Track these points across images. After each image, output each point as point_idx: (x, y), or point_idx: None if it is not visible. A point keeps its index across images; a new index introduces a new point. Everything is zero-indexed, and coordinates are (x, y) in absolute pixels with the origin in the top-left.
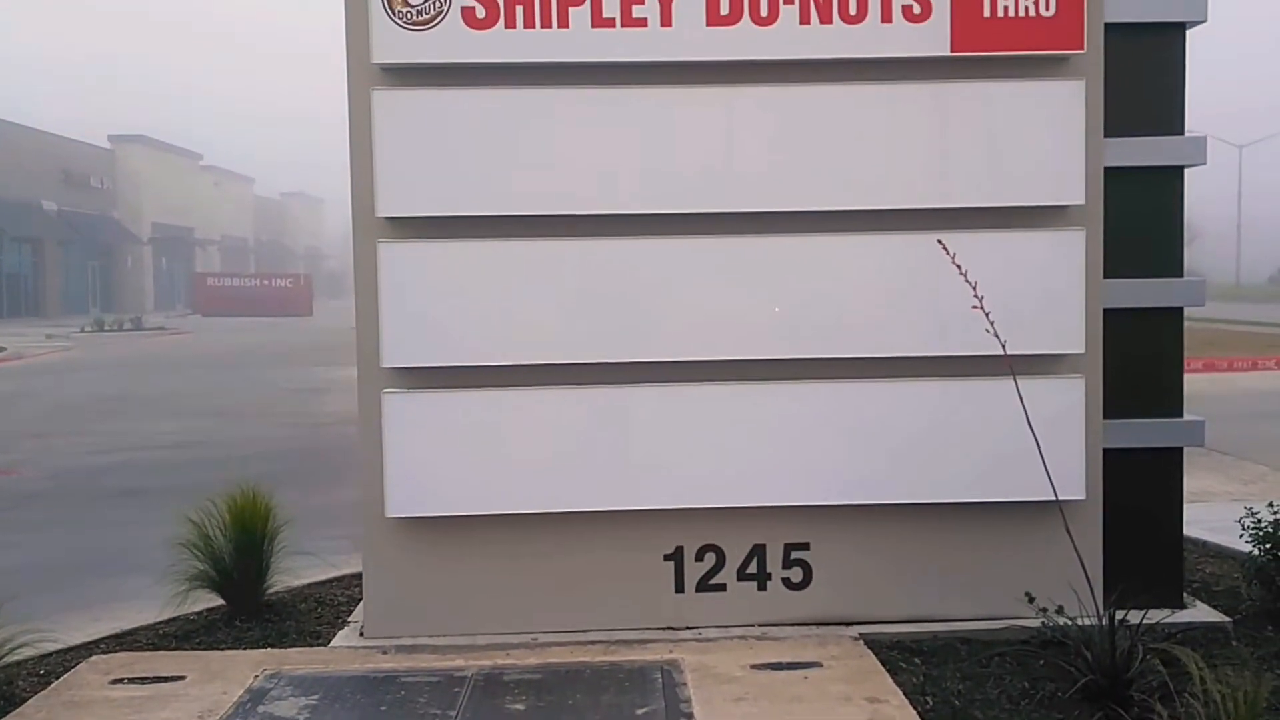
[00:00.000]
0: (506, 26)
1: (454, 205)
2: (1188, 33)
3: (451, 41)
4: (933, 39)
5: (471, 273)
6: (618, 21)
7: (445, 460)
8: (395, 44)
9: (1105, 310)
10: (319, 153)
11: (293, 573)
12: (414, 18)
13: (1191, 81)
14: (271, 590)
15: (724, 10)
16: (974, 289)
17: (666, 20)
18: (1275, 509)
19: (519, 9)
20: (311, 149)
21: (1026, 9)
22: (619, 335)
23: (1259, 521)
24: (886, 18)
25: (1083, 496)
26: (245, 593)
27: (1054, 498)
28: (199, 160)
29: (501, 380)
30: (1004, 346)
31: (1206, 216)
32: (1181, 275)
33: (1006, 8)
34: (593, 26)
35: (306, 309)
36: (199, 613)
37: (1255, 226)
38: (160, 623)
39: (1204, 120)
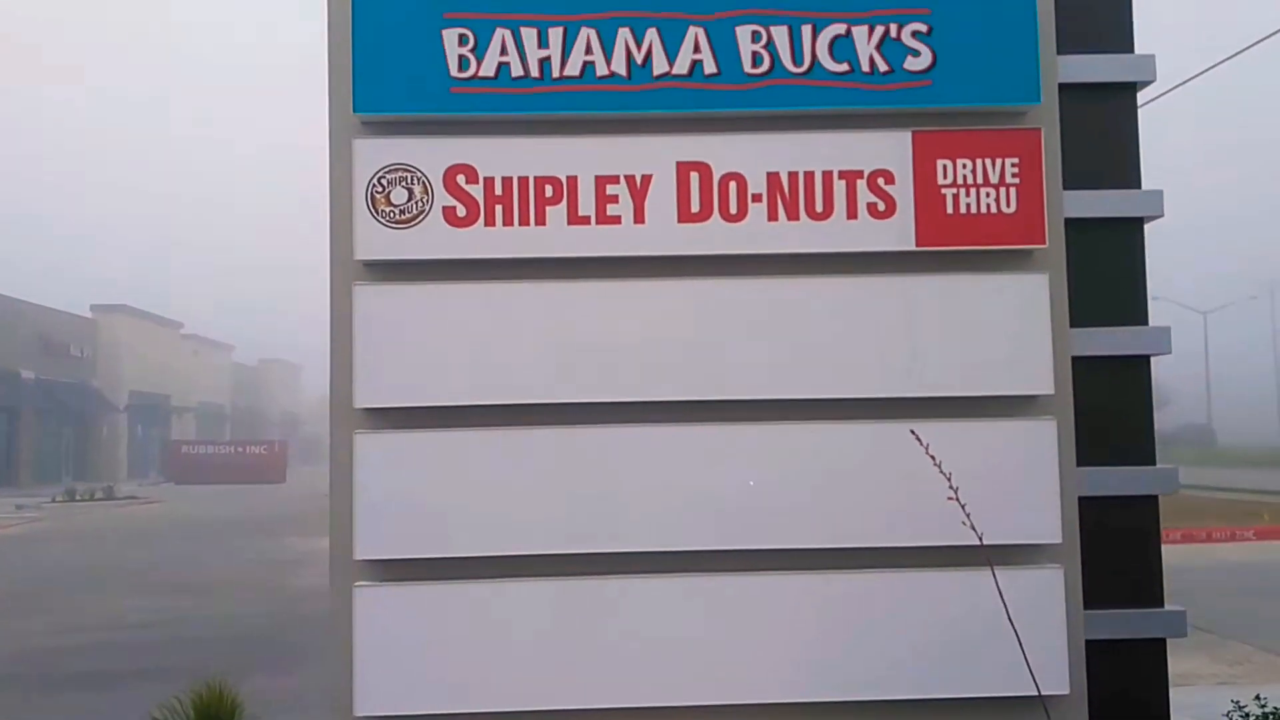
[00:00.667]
0: (486, 225)
1: (430, 396)
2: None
3: (432, 239)
4: (898, 234)
5: (445, 463)
6: (593, 219)
7: (415, 657)
8: (378, 242)
9: (1081, 499)
10: (299, 323)
11: None
12: (397, 216)
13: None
14: None
15: (694, 208)
16: (948, 479)
17: (640, 217)
18: (1263, 702)
19: (498, 208)
20: (292, 320)
21: (988, 206)
22: (594, 525)
23: (1246, 715)
24: (852, 214)
25: (1066, 690)
26: None
27: (1037, 692)
28: (179, 329)
29: (477, 572)
30: (980, 538)
31: (1178, 381)
32: (1154, 462)
33: (969, 205)
34: (569, 224)
35: (280, 476)
36: None
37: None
38: None
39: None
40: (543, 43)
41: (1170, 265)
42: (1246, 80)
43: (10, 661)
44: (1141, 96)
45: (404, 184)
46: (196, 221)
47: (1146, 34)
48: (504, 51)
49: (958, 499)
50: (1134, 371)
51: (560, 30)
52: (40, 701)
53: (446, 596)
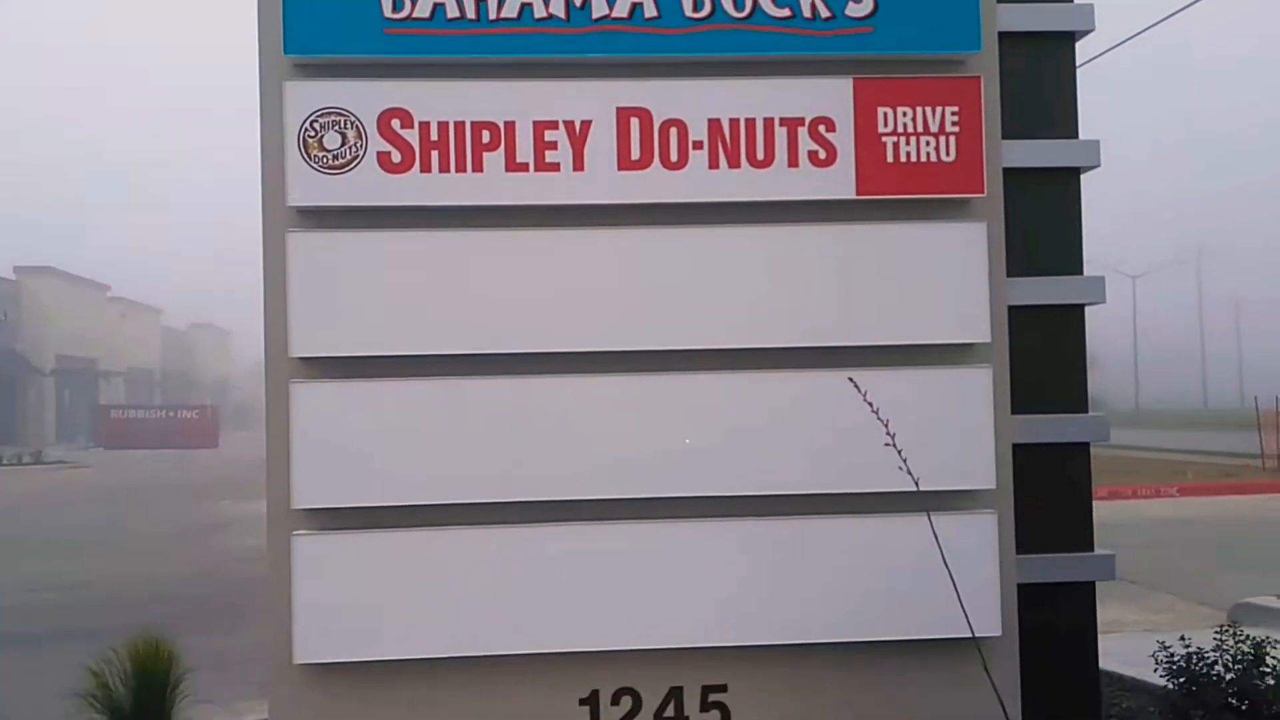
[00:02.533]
0: (421, 171)
1: (366, 345)
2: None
3: (366, 185)
4: (838, 182)
5: (382, 412)
6: (531, 166)
7: (352, 604)
8: (311, 187)
9: (1015, 446)
10: (228, 285)
11: None
12: (330, 161)
13: (1089, 216)
14: None
15: (634, 155)
16: (885, 426)
17: (579, 165)
18: (1187, 642)
19: (434, 154)
20: (221, 281)
21: (928, 155)
22: (531, 473)
23: (1172, 655)
24: (793, 162)
25: (999, 633)
26: None
27: (971, 634)
28: (106, 291)
29: (414, 520)
30: (917, 484)
31: (1106, 343)
32: (1086, 410)
33: (909, 153)
34: (506, 171)
35: (213, 441)
36: None
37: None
38: None
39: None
40: None
41: (1101, 229)
42: (1182, 40)
43: None
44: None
45: (337, 128)
46: (124, 180)
47: None
48: None
49: (894, 445)
50: (1069, 321)
51: None
52: None
53: (384, 544)
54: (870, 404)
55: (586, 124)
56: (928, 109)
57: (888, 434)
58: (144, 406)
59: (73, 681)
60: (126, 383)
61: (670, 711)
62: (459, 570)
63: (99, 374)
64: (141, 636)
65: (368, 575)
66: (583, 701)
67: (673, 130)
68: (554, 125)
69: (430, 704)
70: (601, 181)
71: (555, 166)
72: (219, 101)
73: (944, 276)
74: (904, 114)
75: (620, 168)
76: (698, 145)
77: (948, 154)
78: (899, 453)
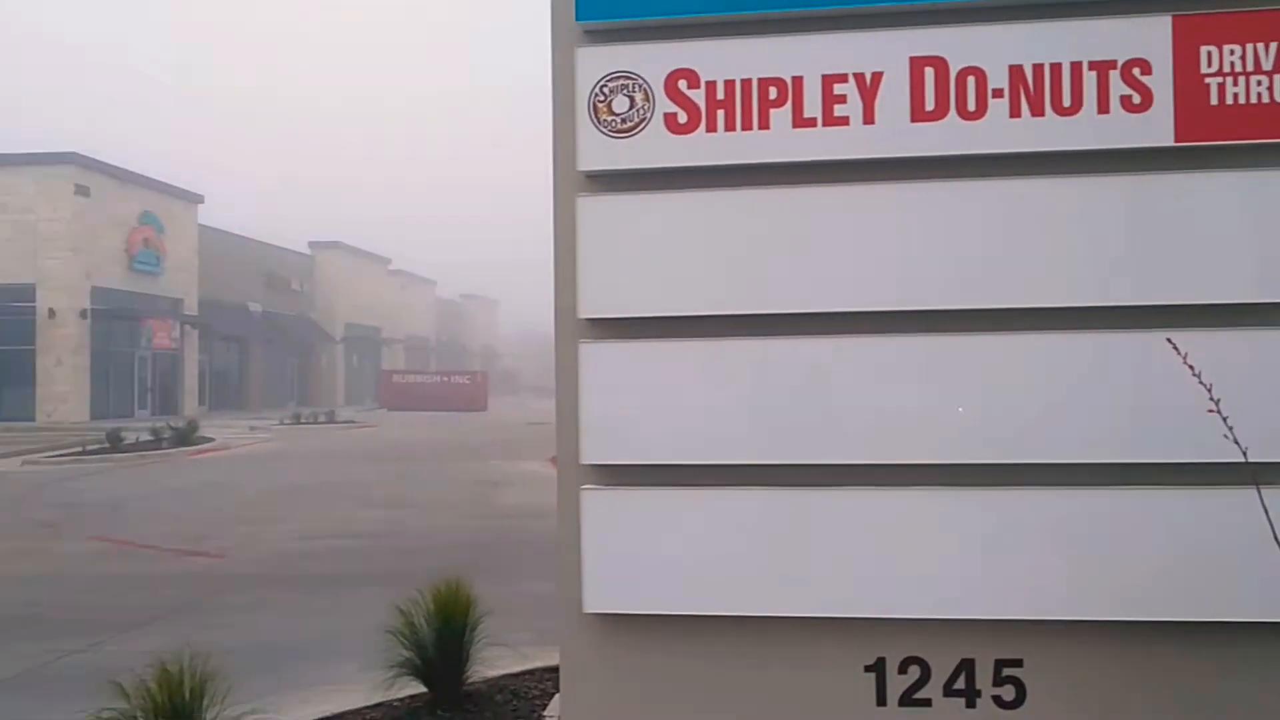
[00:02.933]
0: (708, 130)
1: (653, 306)
2: None
3: (653, 147)
4: (1154, 129)
5: (668, 371)
6: (819, 121)
7: (641, 558)
8: (600, 152)
9: None
10: (497, 258)
11: (487, 663)
12: (618, 125)
13: None
14: (470, 681)
15: (929, 106)
16: (1209, 390)
17: (869, 118)
18: None
19: (720, 113)
20: (490, 255)
21: (1259, 96)
22: (820, 435)
23: None
24: (1104, 108)
25: None
26: (447, 682)
27: None
28: (388, 265)
29: (699, 479)
30: (1245, 454)
31: None
32: None
33: (1236, 95)
34: (793, 127)
35: (483, 405)
36: (403, 699)
37: None
38: (367, 708)
39: None
40: None
41: None
42: None
43: (256, 563)
44: None
45: (625, 92)
46: (401, 158)
47: None
48: None
49: (1219, 411)
50: None
51: None
52: (286, 597)
53: (670, 501)
54: (1191, 367)
55: (877, 76)
56: (1259, 46)
57: (1211, 399)
58: (421, 372)
59: (379, 619)
60: (405, 350)
61: (960, 684)
62: (745, 530)
63: (381, 341)
64: (443, 580)
65: (653, 531)
66: (868, 669)
67: (970, 79)
68: (843, 78)
69: (711, 658)
70: (893, 135)
71: (844, 120)
72: (491, 80)
73: (1272, 229)
74: (1231, 52)
75: (913, 119)
76: (997, 94)
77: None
78: (1224, 419)
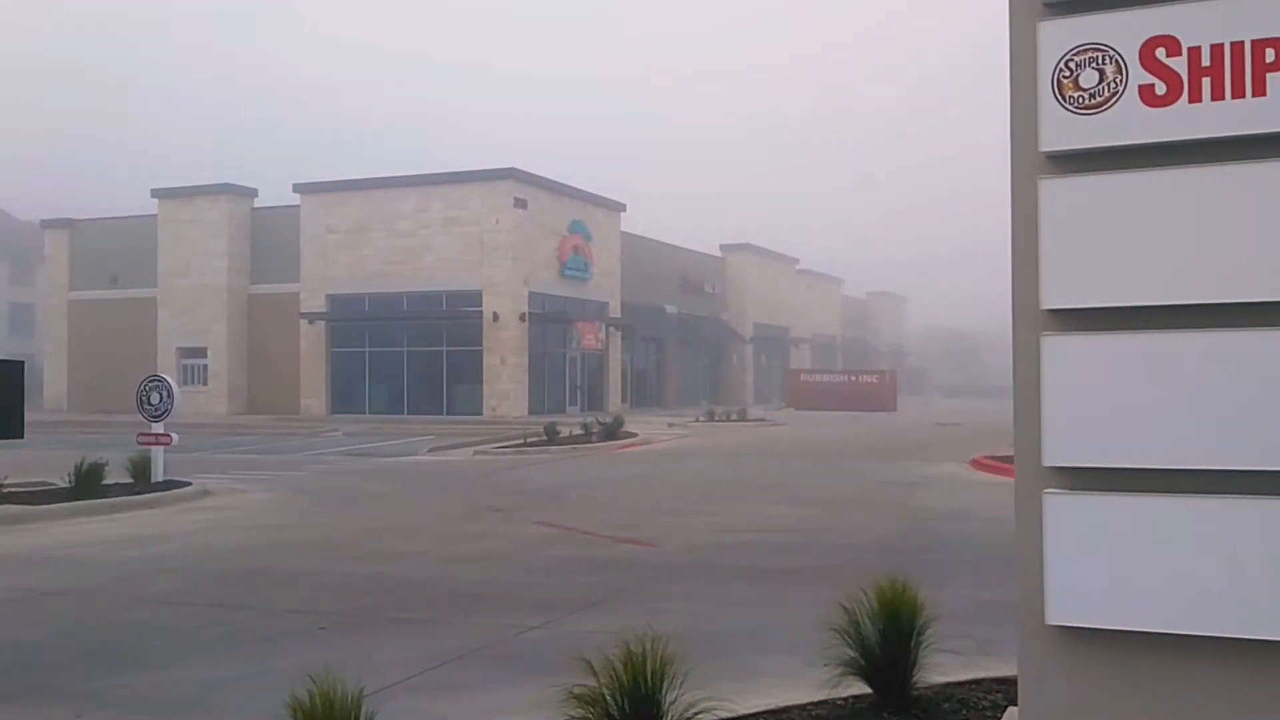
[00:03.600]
0: (1190, 101)
1: (1120, 295)
2: None
3: (1125, 123)
4: None
5: (1142, 367)
6: None
7: (1110, 568)
8: (1065, 130)
9: None
10: (901, 255)
11: (933, 669)
12: (1086, 101)
13: None
14: (917, 686)
15: None
16: None
17: None
18: None
19: (1205, 81)
20: (896, 253)
21: None
22: None
23: None
24: None
25: None
26: (892, 685)
27: None
28: (795, 264)
29: (1176, 485)
30: None
31: None
32: None
33: None
34: None
35: (891, 404)
36: (846, 699)
37: None
38: (812, 704)
39: None
40: None
41: None
42: None
43: (685, 553)
44: None
45: (1094, 65)
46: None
47: None
48: None
49: None
50: None
51: None
52: (715, 587)
53: (1141, 508)
54: None
55: None
56: None
57: None
58: (829, 371)
59: (808, 613)
60: (812, 349)
61: None
62: (1229, 542)
63: (789, 341)
64: (888, 580)
65: (1123, 539)
66: None
67: None
68: None
69: (1187, 683)
70: None
71: None
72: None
73: None
74: None
75: None
76: None
77: None
78: None
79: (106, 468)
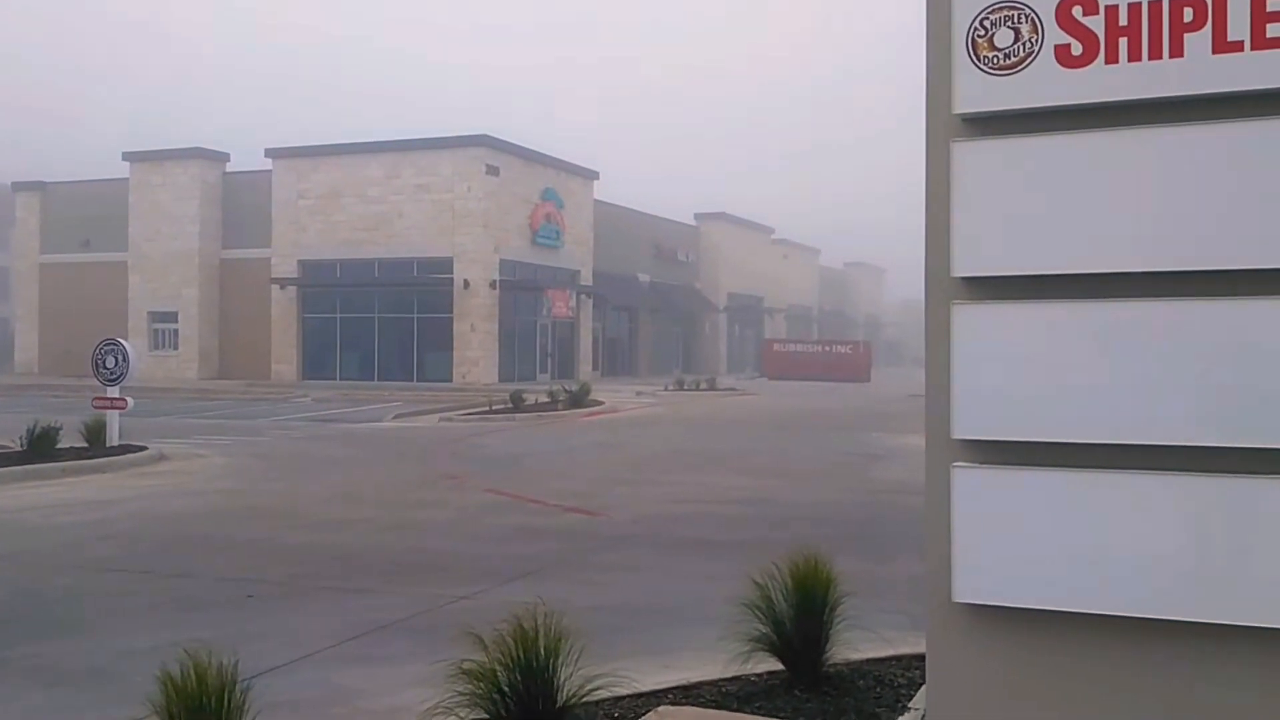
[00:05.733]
0: (1107, 62)
1: (1030, 264)
2: None
3: (1040, 84)
4: None
5: (1055, 337)
6: (1247, 44)
7: (1020, 544)
8: (979, 92)
9: None
10: (884, 224)
11: (849, 645)
12: (1000, 62)
13: None
14: (830, 662)
15: None
16: None
17: None
18: None
19: (1122, 41)
20: (872, 220)
21: None
22: (1238, 414)
23: None
24: None
25: None
26: (804, 661)
27: None
28: (770, 234)
29: (1088, 460)
30: None
31: None
32: None
33: None
34: (1213, 53)
35: (865, 375)
36: (759, 675)
37: None
38: (723, 680)
39: None
40: None
41: None
42: None
43: (632, 523)
44: None
45: (1009, 23)
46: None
47: None
48: None
49: None
50: None
51: None
52: (657, 559)
53: (1053, 483)
54: None
55: None
56: None
57: None
58: (802, 341)
59: (741, 588)
60: (787, 319)
61: None
62: (1141, 519)
63: (763, 310)
64: (801, 555)
65: (1033, 515)
66: None
67: None
68: None
69: (1099, 662)
70: None
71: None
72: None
73: None
74: None
75: None
76: None
77: None
78: None
79: (61, 431)
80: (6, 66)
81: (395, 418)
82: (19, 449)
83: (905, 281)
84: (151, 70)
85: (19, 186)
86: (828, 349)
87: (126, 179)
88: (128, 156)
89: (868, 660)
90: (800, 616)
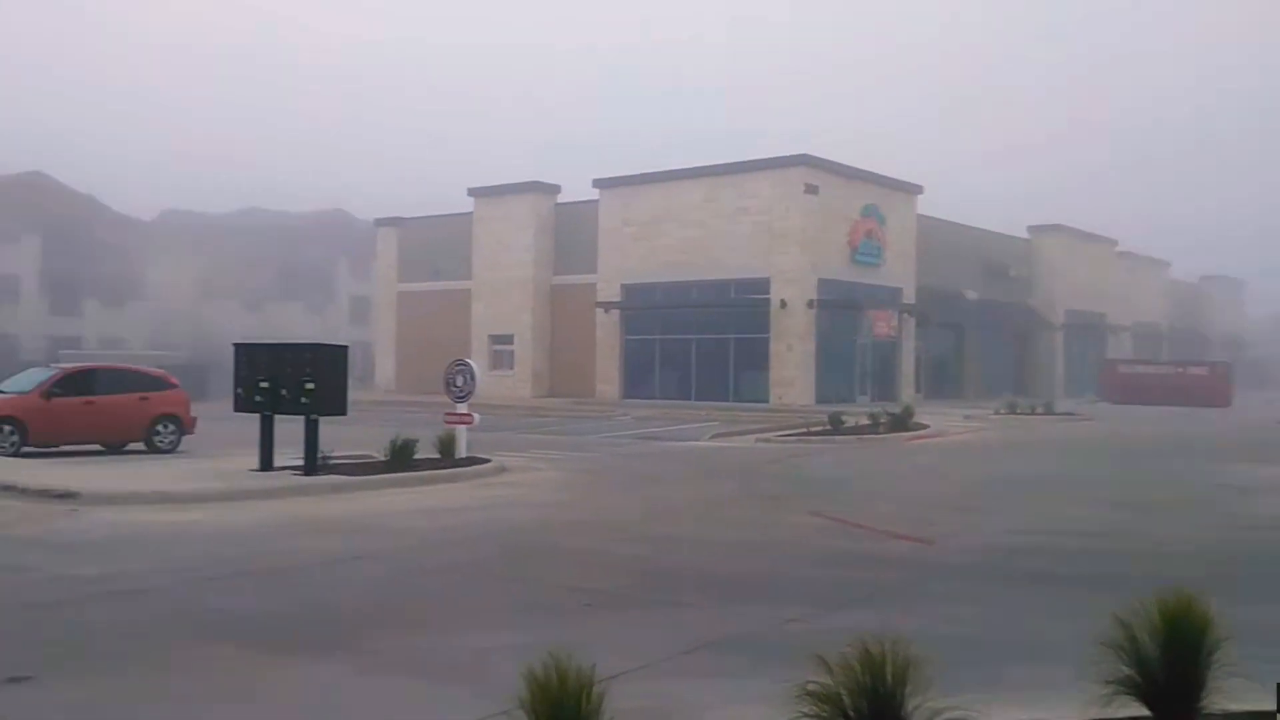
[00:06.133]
0: None
1: None
2: None
3: None
4: None
5: None
6: None
7: None
8: None
9: None
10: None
11: (1228, 694)
12: None
13: None
14: (1205, 711)
15: None
16: None
17: None
18: None
19: None
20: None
21: None
22: None
23: None
24: None
25: None
26: (1176, 708)
27: None
28: (1114, 246)
29: None
30: None
31: None
32: None
33: None
34: None
35: (1224, 400)
36: None
37: None
38: None
39: None
40: None
41: None
42: None
43: (964, 553)
44: None
45: None
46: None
47: None
48: None
49: None
50: None
51: None
52: (993, 591)
53: None
54: None
55: None
56: None
57: None
58: (1150, 362)
59: (1091, 625)
60: (1133, 337)
61: None
62: None
63: (1106, 329)
64: (1173, 592)
65: None
66: None
67: None
68: None
69: None
70: None
71: None
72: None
73: None
74: None
75: None
76: None
77: None
78: None
79: (418, 444)
80: (373, 120)
81: (713, 437)
82: (384, 459)
83: (1270, 295)
84: (494, 110)
85: (381, 222)
86: (1180, 370)
87: (470, 213)
88: (472, 192)
89: (1249, 712)
90: (1170, 659)
